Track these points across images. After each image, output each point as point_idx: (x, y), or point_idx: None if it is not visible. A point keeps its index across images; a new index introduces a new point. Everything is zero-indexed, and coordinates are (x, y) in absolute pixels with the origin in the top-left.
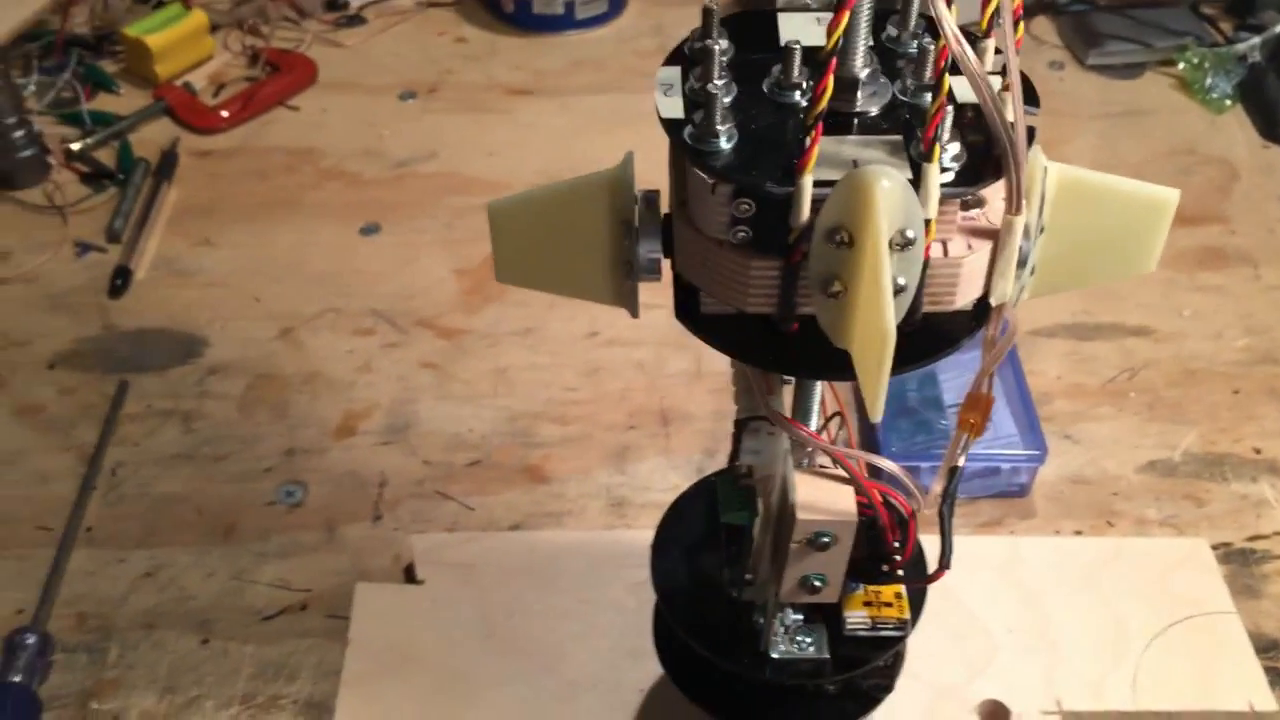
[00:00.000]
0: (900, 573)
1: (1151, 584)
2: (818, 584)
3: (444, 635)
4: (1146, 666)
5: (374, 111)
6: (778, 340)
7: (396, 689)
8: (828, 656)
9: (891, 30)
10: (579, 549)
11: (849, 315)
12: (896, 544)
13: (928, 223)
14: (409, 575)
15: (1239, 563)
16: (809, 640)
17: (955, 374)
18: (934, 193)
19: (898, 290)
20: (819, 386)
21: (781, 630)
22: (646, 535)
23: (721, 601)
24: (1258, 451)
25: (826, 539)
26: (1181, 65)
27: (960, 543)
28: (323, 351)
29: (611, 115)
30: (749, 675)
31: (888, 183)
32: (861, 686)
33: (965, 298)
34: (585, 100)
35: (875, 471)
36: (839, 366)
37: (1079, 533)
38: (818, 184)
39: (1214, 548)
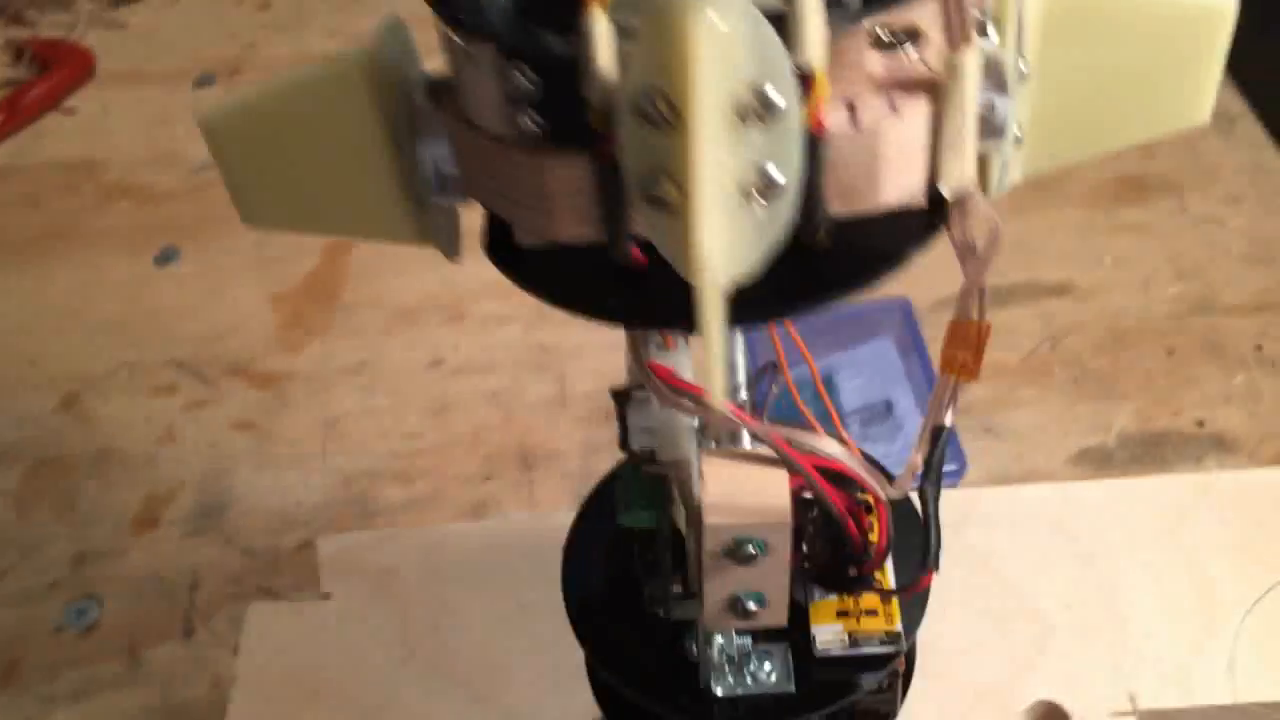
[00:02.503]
0: (876, 578)
1: (1249, 532)
2: (752, 606)
3: (354, 661)
4: (1246, 643)
5: (166, 106)
6: (619, 278)
7: None
8: (792, 689)
9: None
10: (520, 541)
11: (684, 233)
12: (865, 540)
13: (807, 77)
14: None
15: None
16: (766, 668)
17: (855, 375)
18: (816, 23)
19: (761, 187)
20: (735, 333)
21: (726, 659)
22: None
23: (654, 625)
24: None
25: (752, 548)
26: None
27: (996, 495)
28: (115, 421)
29: None
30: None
31: (714, 12)
32: (852, 714)
33: (896, 188)
34: None
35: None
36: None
37: None
38: (621, 31)
39: None
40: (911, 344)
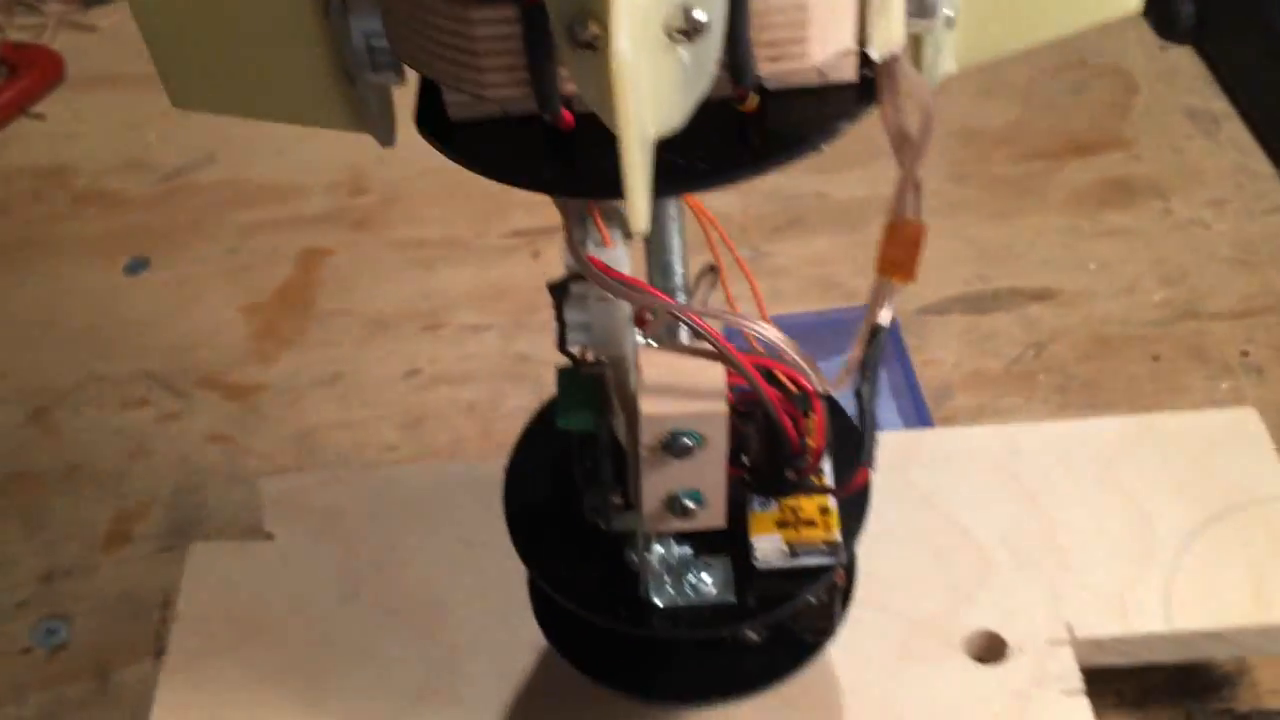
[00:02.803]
0: (813, 480)
1: (1186, 470)
2: (690, 505)
3: (298, 599)
4: (1183, 576)
5: (137, 110)
6: (550, 148)
7: (235, 670)
8: (733, 600)
9: None
10: (465, 483)
11: (608, 75)
12: (802, 441)
13: None
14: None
15: None
16: (706, 579)
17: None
18: None
19: (684, 27)
20: (673, 229)
21: (665, 570)
22: None
23: (594, 537)
24: None
25: (689, 440)
26: None
27: (940, 436)
28: (85, 435)
29: None
30: (631, 631)
31: None
32: (793, 632)
33: (824, 44)
34: None
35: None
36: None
37: None
38: None
39: None
40: (893, 353)
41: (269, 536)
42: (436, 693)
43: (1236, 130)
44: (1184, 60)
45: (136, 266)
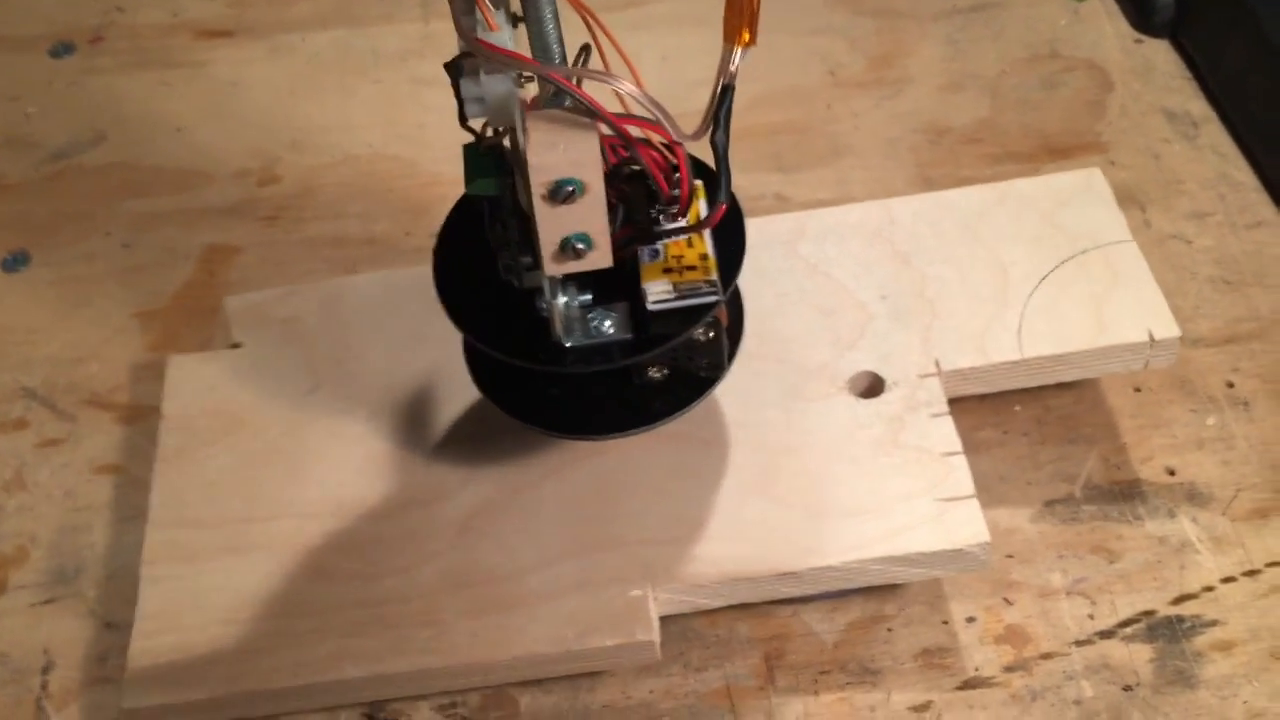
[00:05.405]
0: (684, 221)
1: (1039, 225)
2: (581, 246)
3: (269, 394)
4: (1033, 312)
5: (15, 78)
6: None
7: (220, 458)
8: (630, 336)
9: None
10: (410, 286)
11: None
12: (672, 189)
13: None
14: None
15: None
16: (607, 323)
17: None
18: None
19: None
20: (548, 10)
21: (574, 317)
22: None
23: (512, 297)
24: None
25: (571, 187)
26: None
27: (825, 215)
28: None
29: (341, 59)
30: (546, 369)
31: None
32: (690, 370)
33: None
34: (305, 40)
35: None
36: None
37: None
38: None
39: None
40: None
41: (237, 345)
42: (398, 457)
43: (1217, 134)
44: (1160, 55)
45: (14, 262)
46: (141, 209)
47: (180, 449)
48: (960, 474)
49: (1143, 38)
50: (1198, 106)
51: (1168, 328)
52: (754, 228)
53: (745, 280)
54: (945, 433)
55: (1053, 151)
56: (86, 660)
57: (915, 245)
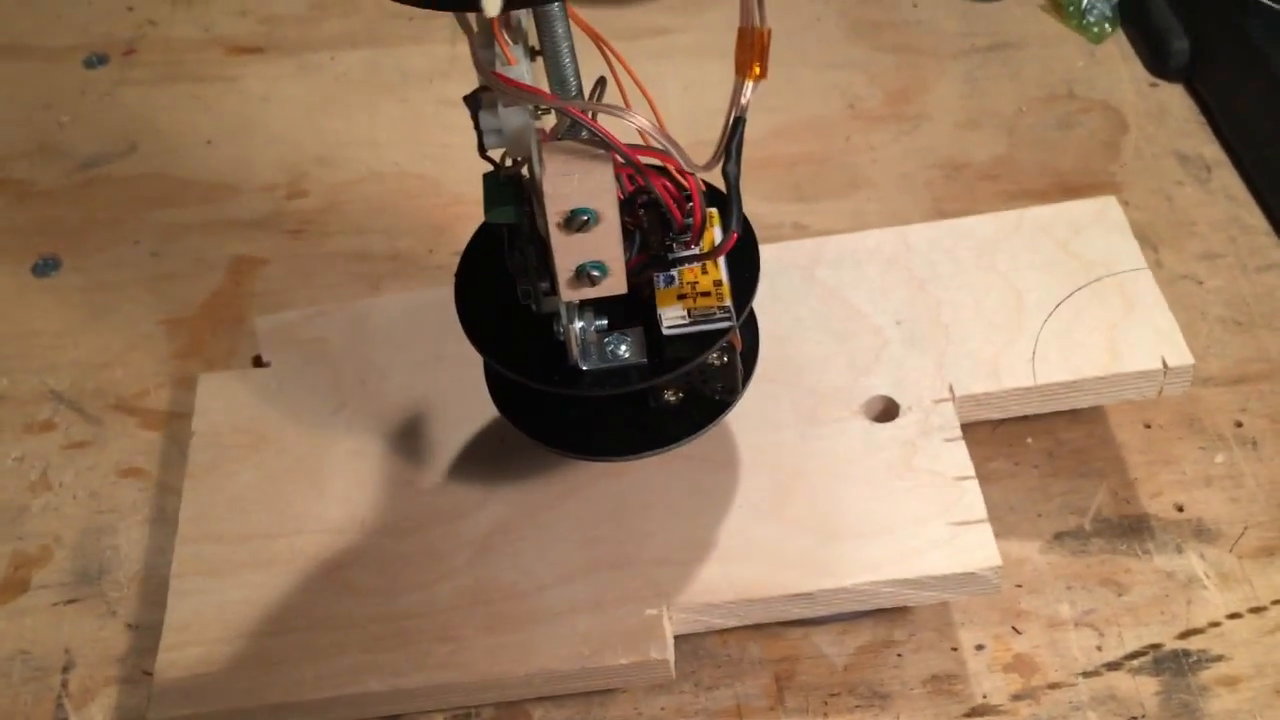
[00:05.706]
0: (697, 249)
1: (1054, 252)
2: (596, 274)
3: (294, 413)
4: (1046, 339)
5: (50, 87)
6: None
7: (247, 474)
8: (645, 360)
9: None
10: (432, 306)
11: None
12: (685, 218)
13: None
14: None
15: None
16: (623, 347)
17: None
18: None
19: None
20: (565, 45)
21: (590, 341)
22: None
23: (531, 322)
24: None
25: (586, 216)
26: None
27: (842, 240)
28: None
29: (370, 78)
30: (563, 392)
31: None
32: (705, 393)
33: None
34: (334, 59)
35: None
36: None
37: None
38: None
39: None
40: None
41: (265, 364)
42: (419, 475)
43: (1229, 178)
44: (1174, 99)
45: (45, 267)
46: (171, 219)
47: (209, 465)
48: (972, 498)
49: (1158, 81)
50: (1210, 150)
51: (1181, 355)
52: (771, 252)
53: (762, 304)
54: (958, 457)
55: (1067, 190)
56: (107, 660)
57: (931, 271)
